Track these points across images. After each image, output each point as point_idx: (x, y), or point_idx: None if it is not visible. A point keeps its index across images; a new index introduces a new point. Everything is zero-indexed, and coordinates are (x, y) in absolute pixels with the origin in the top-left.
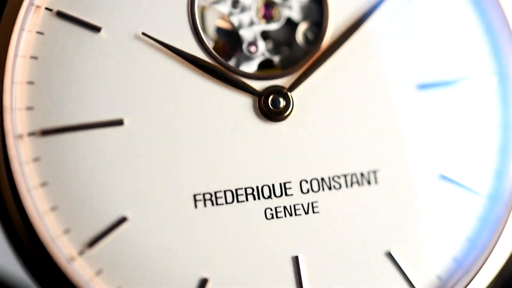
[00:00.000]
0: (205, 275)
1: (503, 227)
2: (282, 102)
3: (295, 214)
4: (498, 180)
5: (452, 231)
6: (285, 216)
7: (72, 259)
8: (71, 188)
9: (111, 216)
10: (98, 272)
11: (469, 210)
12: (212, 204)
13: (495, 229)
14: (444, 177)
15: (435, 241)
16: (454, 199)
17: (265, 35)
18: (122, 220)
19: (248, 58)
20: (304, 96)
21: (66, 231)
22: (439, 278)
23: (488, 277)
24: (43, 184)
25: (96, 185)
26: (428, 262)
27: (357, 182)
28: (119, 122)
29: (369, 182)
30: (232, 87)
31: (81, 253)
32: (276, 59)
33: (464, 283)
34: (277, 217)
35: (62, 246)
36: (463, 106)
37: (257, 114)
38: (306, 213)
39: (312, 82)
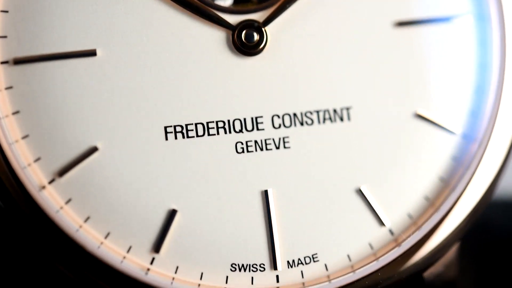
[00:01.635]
0: (174, 206)
1: (476, 167)
2: (256, 36)
3: (266, 149)
4: (473, 120)
5: (425, 170)
6: (256, 150)
7: (42, 187)
8: (42, 117)
9: (81, 145)
10: (68, 201)
11: (443, 149)
12: (183, 137)
13: (468, 169)
14: (418, 116)
15: (407, 180)
16: (428, 138)
17: None
18: (93, 150)
19: None
20: (278, 31)
21: (37, 160)
22: (410, 216)
23: (460, 217)
24: (15, 113)
25: (67, 114)
26: (400, 200)
27: (330, 118)
28: (92, 53)
29: (341, 119)
30: (206, 20)
31: (51, 181)
32: None
33: (435, 221)
34: (248, 151)
35: (32, 175)
36: (439, 45)
37: (230, 48)
38: (277, 148)
39: (287, 17)
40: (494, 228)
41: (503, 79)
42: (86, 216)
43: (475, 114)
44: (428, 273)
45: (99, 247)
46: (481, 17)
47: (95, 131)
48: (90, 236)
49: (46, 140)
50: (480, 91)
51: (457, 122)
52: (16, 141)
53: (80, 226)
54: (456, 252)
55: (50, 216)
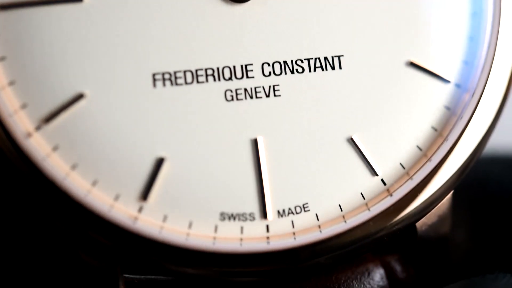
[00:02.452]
0: (162, 154)
1: (470, 117)
2: None
3: (256, 97)
4: (466, 69)
5: (417, 119)
6: (246, 98)
7: (29, 134)
8: (29, 63)
9: (68, 92)
10: (55, 148)
11: (436, 98)
12: (171, 84)
13: (461, 119)
14: (411, 64)
15: (400, 129)
16: (421, 87)
17: None
18: (80, 96)
19: None
20: None
21: (23, 106)
22: (402, 166)
23: (453, 167)
24: (1, 59)
25: (54, 61)
26: (392, 150)
27: (321, 66)
28: None
29: (333, 67)
30: None
31: (37, 128)
32: None
33: (428, 171)
34: (237, 99)
35: (19, 122)
36: None
37: None
38: (267, 96)
39: None
40: (488, 183)
41: (497, 28)
42: (73, 163)
43: (469, 63)
44: (421, 224)
45: (86, 195)
46: None
47: (82, 78)
48: (77, 184)
49: (33, 86)
50: (474, 40)
51: (451, 71)
52: (3, 88)
53: (67, 174)
54: (450, 204)
55: (37, 164)
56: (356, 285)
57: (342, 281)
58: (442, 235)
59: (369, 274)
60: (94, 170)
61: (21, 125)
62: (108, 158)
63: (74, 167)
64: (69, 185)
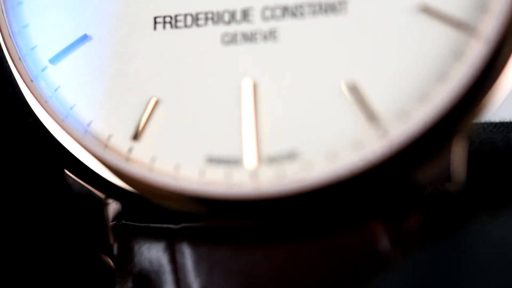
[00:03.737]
0: (156, 95)
1: (481, 67)
2: None
3: (253, 41)
4: (482, 16)
5: (424, 66)
6: (243, 42)
7: (36, 77)
8: (41, 7)
9: (74, 34)
10: (57, 89)
11: (446, 45)
12: (171, 27)
13: (471, 67)
14: (423, 8)
15: (404, 76)
16: (431, 33)
17: None
18: (84, 38)
19: None
20: None
21: (34, 48)
22: (403, 115)
23: (455, 116)
24: (19, 3)
25: (61, 4)
26: (394, 97)
27: (324, 10)
28: None
29: (336, 12)
30: None
31: (44, 69)
32: None
33: (428, 117)
34: (234, 43)
35: (29, 63)
36: None
37: None
38: (265, 40)
39: None
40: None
41: None
42: (73, 103)
43: (485, 10)
44: (419, 180)
45: (83, 136)
46: None
47: (86, 21)
48: (74, 124)
49: (43, 29)
50: None
51: (465, 17)
52: (18, 31)
53: (67, 114)
54: (453, 160)
55: (41, 104)
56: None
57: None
58: (444, 192)
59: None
60: (91, 110)
61: (31, 66)
62: (104, 98)
63: (73, 106)
64: (67, 125)
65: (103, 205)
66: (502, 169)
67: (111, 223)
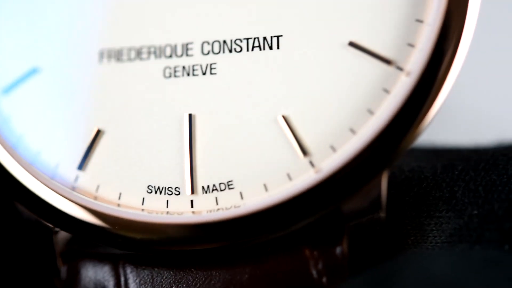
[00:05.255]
0: (100, 126)
1: (406, 100)
2: None
3: (193, 75)
4: (408, 51)
5: (353, 101)
6: (183, 75)
7: None
8: None
9: (25, 66)
10: (8, 117)
11: (375, 80)
12: (116, 60)
13: (397, 101)
14: (352, 44)
15: (334, 110)
16: (360, 68)
17: None
18: (34, 70)
19: None
20: None
21: None
22: (333, 148)
23: (383, 149)
24: None
25: (12, 35)
26: (324, 131)
27: (259, 46)
28: None
29: (271, 47)
30: None
31: None
32: None
33: (356, 150)
34: (175, 76)
35: None
36: None
37: None
38: (204, 74)
39: None
40: (425, 178)
41: (442, 11)
42: (21, 132)
43: (411, 46)
44: (350, 209)
45: (30, 165)
46: None
47: (35, 52)
48: (24, 152)
49: None
50: (417, 22)
51: (393, 53)
52: None
53: (17, 142)
54: (382, 191)
55: None
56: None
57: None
58: (373, 221)
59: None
60: (40, 140)
61: None
62: (52, 128)
63: (22, 136)
64: (17, 153)
65: (52, 231)
66: (430, 196)
67: (59, 248)
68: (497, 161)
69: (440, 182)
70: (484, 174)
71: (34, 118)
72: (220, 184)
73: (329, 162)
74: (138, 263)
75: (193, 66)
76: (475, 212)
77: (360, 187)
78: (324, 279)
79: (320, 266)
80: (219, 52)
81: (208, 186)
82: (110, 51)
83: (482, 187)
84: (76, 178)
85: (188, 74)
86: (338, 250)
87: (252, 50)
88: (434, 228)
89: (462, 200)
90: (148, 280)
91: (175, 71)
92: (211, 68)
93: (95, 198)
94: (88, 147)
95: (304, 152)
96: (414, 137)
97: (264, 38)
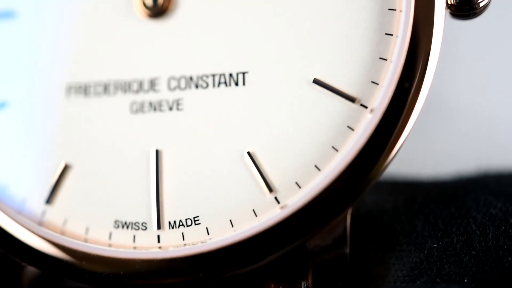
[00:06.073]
0: (67, 161)
1: (370, 137)
2: (160, 0)
3: (159, 110)
4: (371, 89)
5: (318, 138)
6: (149, 111)
7: None
8: None
9: None
10: None
11: (339, 117)
12: (82, 95)
13: (362, 138)
14: (316, 82)
15: (299, 147)
16: (325, 105)
17: None
18: (2, 104)
19: None
20: None
21: None
22: (298, 185)
23: (348, 186)
24: None
25: None
26: (289, 168)
27: (225, 82)
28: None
29: (236, 84)
30: None
31: None
32: None
33: (321, 187)
34: (141, 111)
35: None
36: (344, 12)
37: (135, 9)
38: (170, 109)
39: None
40: (386, 211)
41: (405, 49)
42: None
43: (374, 83)
44: (314, 245)
45: None
46: None
47: (4, 86)
48: None
49: None
50: (381, 60)
51: (357, 90)
52: None
53: None
54: (348, 226)
55: None
56: None
57: None
58: (338, 257)
59: None
60: (7, 174)
61: None
62: (20, 162)
63: None
64: None
65: (19, 266)
66: (391, 230)
67: (26, 283)
68: (456, 194)
69: (400, 215)
70: (443, 207)
71: (1, 152)
72: (186, 219)
73: (294, 199)
74: None
75: (159, 101)
76: (435, 245)
77: (325, 223)
78: None
79: None
80: (185, 88)
81: (174, 222)
82: (77, 85)
83: (441, 220)
84: (43, 213)
85: (155, 110)
86: (303, 285)
87: (218, 86)
88: (395, 262)
89: (422, 233)
90: None
91: (142, 107)
92: (177, 104)
93: (62, 232)
94: (55, 181)
95: (270, 188)
96: (378, 173)
97: (230, 75)
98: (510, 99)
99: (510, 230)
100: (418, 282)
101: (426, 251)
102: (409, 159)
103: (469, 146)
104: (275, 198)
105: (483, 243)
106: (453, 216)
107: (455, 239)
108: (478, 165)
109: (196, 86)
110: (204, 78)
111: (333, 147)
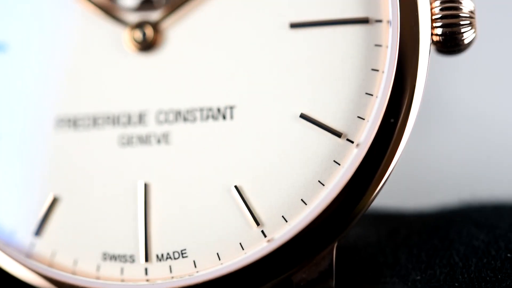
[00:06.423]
0: (56, 194)
1: (355, 171)
2: (149, 34)
3: (147, 143)
4: (357, 124)
5: (305, 172)
6: (138, 144)
7: None
8: None
9: None
10: None
11: (326, 151)
12: (71, 128)
13: (347, 172)
14: (303, 117)
15: (286, 181)
16: (312, 140)
17: None
18: None
19: None
20: (172, 30)
21: None
22: (285, 219)
23: (334, 220)
24: None
25: None
26: (276, 202)
27: (213, 116)
28: None
29: (224, 117)
30: (105, 16)
31: None
32: None
33: (307, 221)
34: (130, 145)
35: None
36: (329, 48)
37: (124, 43)
38: (158, 143)
39: (181, 16)
40: (370, 244)
41: (391, 85)
42: None
43: (361, 118)
44: (300, 279)
45: None
46: (375, 23)
47: None
48: None
49: None
50: (367, 95)
51: (344, 125)
52: None
53: None
54: (332, 261)
55: None
56: None
57: None
58: None
59: None
60: None
61: None
62: (9, 195)
63: None
64: None
65: None
66: (375, 262)
67: None
68: (439, 226)
69: (384, 247)
70: (426, 239)
71: None
72: (174, 252)
73: (281, 233)
74: None
75: (148, 135)
76: (418, 277)
77: (311, 257)
78: None
79: None
80: (173, 121)
81: (162, 255)
82: (67, 118)
83: (424, 252)
84: (32, 245)
85: (143, 143)
86: None
87: (206, 120)
88: None
89: (406, 266)
90: None
91: (130, 140)
92: (165, 137)
93: (51, 265)
94: (44, 214)
95: (257, 222)
96: (364, 207)
97: (218, 109)
98: (487, 133)
99: (493, 262)
100: None
101: (409, 283)
102: (392, 191)
103: (452, 178)
104: (262, 231)
105: (465, 275)
106: (436, 248)
107: (438, 271)
108: (460, 196)
109: (184, 120)
110: (192, 111)
111: (319, 182)
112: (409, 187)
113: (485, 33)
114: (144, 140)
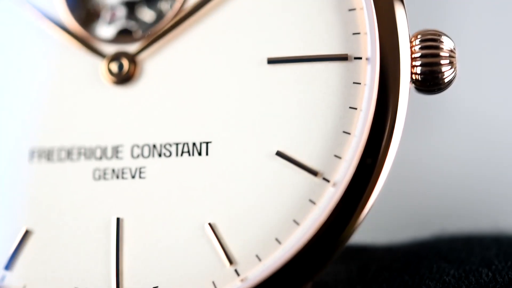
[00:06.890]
0: (29, 227)
1: (331, 212)
2: (125, 67)
3: (122, 178)
4: (337, 162)
5: (279, 211)
6: (112, 178)
7: None
8: None
9: None
10: None
11: (301, 190)
12: (46, 160)
13: (324, 212)
14: (279, 154)
15: (260, 220)
16: (287, 178)
17: (128, 3)
18: None
19: (109, 22)
20: (149, 63)
21: None
22: (258, 258)
23: (309, 260)
24: None
25: None
26: (249, 241)
27: (188, 151)
28: None
29: (199, 153)
30: (82, 48)
31: None
32: (134, 27)
33: (282, 261)
34: (104, 178)
35: None
36: (307, 85)
37: (101, 76)
38: (133, 177)
39: (159, 49)
40: (341, 281)
41: (368, 124)
42: None
43: (337, 157)
44: None
45: None
46: (354, 60)
47: None
48: None
49: None
50: (344, 134)
51: (320, 164)
52: None
53: None
54: None
55: None
56: None
57: None
58: None
59: None
60: None
61: None
62: None
63: None
64: None
65: None
66: None
67: None
68: (410, 261)
69: (355, 284)
70: (396, 274)
71: None
72: None
73: (254, 272)
74: None
75: (122, 169)
76: None
77: None
78: None
79: None
80: (148, 156)
81: None
82: (41, 150)
83: None
84: (2, 278)
85: (118, 177)
86: None
87: (181, 155)
88: None
89: None
90: None
91: (104, 174)
92: (140, 172)
93: None
94: (16, 247)
95: (230, 260)
96: (340, 246)
97: (194, 144)
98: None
99: None
100: None
101: None
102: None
103: (422, 210)
104: (235, 270)
105: None
106: (407, 284)
107: None
108: (431, 230)
109: (159, 155)
110: (168, 146)
111: (294, 221)
112: (378, 220)
113: (485, 33)
114: (118, 174)
